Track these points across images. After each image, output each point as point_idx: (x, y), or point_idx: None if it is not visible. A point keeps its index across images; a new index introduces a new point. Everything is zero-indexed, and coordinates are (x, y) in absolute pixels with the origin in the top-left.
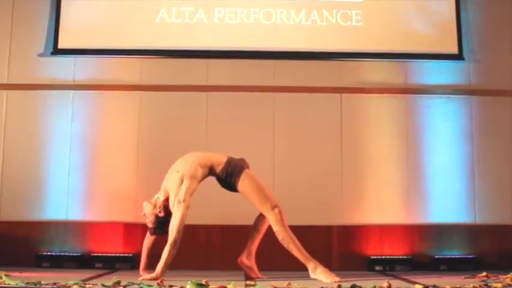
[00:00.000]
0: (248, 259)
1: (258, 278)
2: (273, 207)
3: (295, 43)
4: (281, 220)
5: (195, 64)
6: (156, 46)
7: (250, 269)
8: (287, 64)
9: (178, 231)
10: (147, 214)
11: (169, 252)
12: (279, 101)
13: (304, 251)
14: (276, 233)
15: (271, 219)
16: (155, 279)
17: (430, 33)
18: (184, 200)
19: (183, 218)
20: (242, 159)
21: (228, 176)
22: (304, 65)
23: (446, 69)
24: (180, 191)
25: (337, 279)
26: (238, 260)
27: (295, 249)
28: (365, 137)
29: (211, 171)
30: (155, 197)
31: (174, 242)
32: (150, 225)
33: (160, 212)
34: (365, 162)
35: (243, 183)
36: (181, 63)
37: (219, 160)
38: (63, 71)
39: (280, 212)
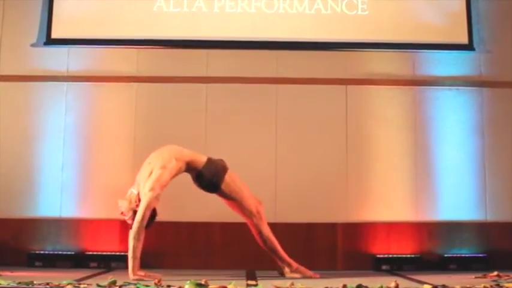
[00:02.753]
0: None
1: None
2: (257, 209)
3: (298, 33)
4: (265, 221)
5: (194, 55)
6: (153, 36)
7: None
8: (290, 55)
9: (138, 222)
10: (125, 211)
11: (133, 245)
12: (282, 93)
13: (284, 252)
14: (260, 234)
15: (256, 220)
16: (136, 280)
17: (439, 23)
18: (151, 190)
19: (146, 208)
20: (222, 160)
21: (212, 175)
22: (308, 55)
23: (456, 60)
24: (148, 181)
25: (310, 274)
26: None
27: (279, 249)
28: (371, 131)
29: (189, 167)
30: (129, 192)
31: (134, 234)
32: (130, 221)
33: (137, 206)
34: (371, 156)
35: (228, 183)
36: (179, 54)
37: (199, 157)
38: (57, 62)
39: (263, 213)
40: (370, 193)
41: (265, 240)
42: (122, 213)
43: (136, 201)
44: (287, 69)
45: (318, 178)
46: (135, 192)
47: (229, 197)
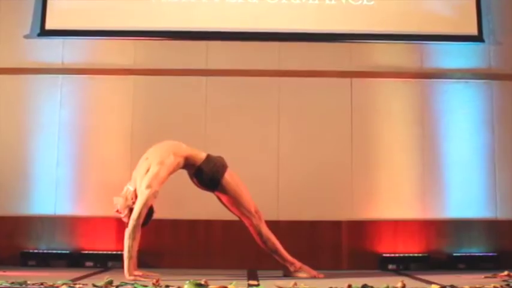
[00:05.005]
0: None
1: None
2: (255, 209)
3: (301, 24)
4: (263, 222)
5: (193, 46)
6: (151, 27)
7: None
8: (293, 46)
9: (134, 220)
10: (120, 208)
11: (128, 244)
12: (285, 87)
13: (285, 251)
14: (259, 234)
15: (255, 221)
16: (133, 280)
17: (448, 13)
18: (148, 187)
19: (143, 206)
20: (221, 157)
21: (212, 172)
22: (311, 47)
23: (465, 51)
24: (145, 178)
25: (314, 273)
26: None
27: (280, 249)
28: (377, 125)
29: (187, 163)
30: (125, 189)
31: (130, 232)
32: (125, 219)
33: (133, 203)
34: (377, 152)
35: (228, 181)
36: (178, 46)
37: (198, 154)
38: (51, 54)
39: (260, 214)
40: (376, 190)
41: (265, 240)
42: (117, 210)
43: (132, 198)
44: (290, 61)
45: (322, 174)
46: (132, 188)
47: (228, 195)
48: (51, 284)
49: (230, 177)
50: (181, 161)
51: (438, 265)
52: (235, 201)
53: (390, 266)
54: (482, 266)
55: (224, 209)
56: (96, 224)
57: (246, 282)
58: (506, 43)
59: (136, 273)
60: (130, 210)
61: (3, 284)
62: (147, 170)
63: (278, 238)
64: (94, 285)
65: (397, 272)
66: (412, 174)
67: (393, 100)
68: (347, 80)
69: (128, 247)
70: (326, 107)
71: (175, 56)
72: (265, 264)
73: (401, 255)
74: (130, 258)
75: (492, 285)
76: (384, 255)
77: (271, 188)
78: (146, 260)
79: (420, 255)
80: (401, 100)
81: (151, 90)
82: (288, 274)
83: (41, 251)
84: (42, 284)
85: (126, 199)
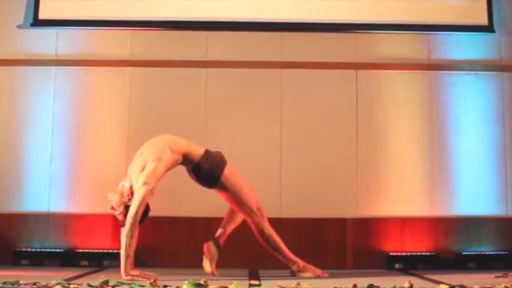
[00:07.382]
0: (215, 248)
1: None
2: (257, 206)
3: (305, 13)
4: (265, 220)
5: (192, 37)
6: (149, 17)
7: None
8: (296, 37)
9: (131, 218)
10: (115, 205)
11: (125, 243)
12: (287, 79)
13: (288, 250)
14: (261, 232)
15: (257, 218)
16: (129, 280)
17: (457, 2)
18: (145, 183)
19: (140, 203)
20: (220, 152)
21: (211, 168)
22: (315, 37)
23: (475, 42)
24: (141, 174)
25: (319, 272)
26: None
27: (283, 248)
28: (383, 119)
29: (185, 159)
30: (120, 185)
31: (127, 231)
32: (120, 217)
33: (129, 200)
34: (383, 147)
35: (228, 177)
36: (177, 36)
37: (196, 149)
38: (45, 45)
39: (263, 211)
40: (382, 186)
41: (267, 239)
42: (111, 207)
43: (128, 195)
44: (293, 52)
45: (326, 170)
46: (127, 185)
47: (228, 192)
48: (44, 283)
49: (230, 173)
50: (179, 157)
51: (447, 264)
52: (235, 199)
53: (397, 265)
54: (493, 265)
55: (225, 206)
56: (91, 221)
57: (247, 282)
58: None
59: (133, 272)
60: (126, 207)
61: None
62: (143, 166)
63: (280, 236)
64: (89, 285)
65: (404, 272)
66: (419, 169)
67: (400, 93)
68: (352, 72)
69: (125, 246)
70: (330, 100)
71: (174, 47)
72: (267, 264)
73: (409, 254)
74: (127, 257)
75: (503, 285)
76: (391, 254)
77: (273, 184)
78: (143, 258)
79: (428, 254)
80: (409, 93)
81: (149, 83)
82: (291, 274)
83: (34, 250)
84: (35, 283)
85: (122, 196)
